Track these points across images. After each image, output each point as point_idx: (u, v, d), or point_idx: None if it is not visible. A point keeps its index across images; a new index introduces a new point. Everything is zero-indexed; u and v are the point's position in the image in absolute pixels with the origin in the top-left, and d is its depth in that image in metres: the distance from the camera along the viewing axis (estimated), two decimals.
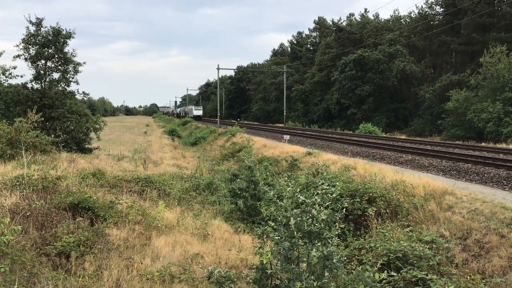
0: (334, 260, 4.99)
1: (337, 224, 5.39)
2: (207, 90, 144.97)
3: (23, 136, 15.30)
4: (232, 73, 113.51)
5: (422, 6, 59.35)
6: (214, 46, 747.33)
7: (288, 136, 28.39)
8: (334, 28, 70.33)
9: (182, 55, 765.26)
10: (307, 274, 5.03)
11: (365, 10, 70.55)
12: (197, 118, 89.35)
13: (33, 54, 25.17)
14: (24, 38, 24.98)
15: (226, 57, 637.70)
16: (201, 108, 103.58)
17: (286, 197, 5.48)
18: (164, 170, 19.06)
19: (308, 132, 39.76)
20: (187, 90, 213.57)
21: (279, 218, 5.32)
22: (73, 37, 26.13)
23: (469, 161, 15.95)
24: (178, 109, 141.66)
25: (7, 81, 25.24)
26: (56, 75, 26.27)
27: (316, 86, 67.96)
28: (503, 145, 24.33)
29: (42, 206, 8.20)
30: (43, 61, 25.65)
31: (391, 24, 64.22)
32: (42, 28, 25.40)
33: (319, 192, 5.48)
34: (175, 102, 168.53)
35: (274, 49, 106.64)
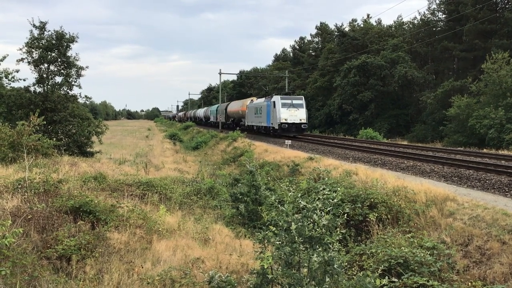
0: (335, 266, 4.99)
1: (338, 229, 5.39)
2: (209, 95, 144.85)
3: (25, 139, 15.33)
4: (234, 77, 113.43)
5: (424, 13, 59.50)
6: (216, 51, 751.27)
7: (290, 141, 28.38)
8: (336, 33, 70.43)
9: (183, 59, 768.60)
10: (308, 280, 5.03)
11: (368, 16, 70.40)
12: (291, 130, 35.92)
13: (36, 57, 25.21)
14: (27, 42, 25.04)
15: (228, 62, 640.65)
16: (303, 101, 37.91)
17: (287, 202, 5.49)
18: (165, 174, 19.06)
19: (309, 137, 39.74)
20: (189, 94, 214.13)
21: (280, 223, 5.32)
22: (76, 41, 26.20)
23: (471, 167, 15.92)
24: (201, 111, 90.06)
25: (10, 84, 25.28)
26: (58, 79, 26.32)
27: (318, 91, 67.98)
28: (505, 152, 24.28)
29: (44, 209, 8.21)
30: (46, 65, 25.69)
31: (393, 30, 64.33)
32: (45, 32, 25.51)
33: (321, 197, 5.49)
34: (177, 106, 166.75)
35: (276, 54, 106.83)
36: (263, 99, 42.25)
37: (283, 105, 36.14)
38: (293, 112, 35.91)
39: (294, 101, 36.82)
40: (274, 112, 36.56)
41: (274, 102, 36.98)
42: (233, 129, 47.57)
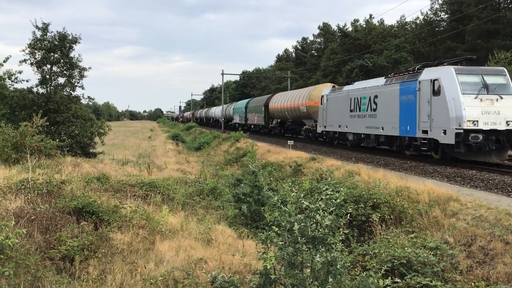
0: (338, 266, 4.98)
1: (341, 229, 5.39)
2: (212, 95, 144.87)
3: (28, 140, 15.38)
4: (236, 78, 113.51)
5: (427, 13, 59.39)
6: (217, 51, 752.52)
7: (292, 141, 28.36)
8: (339, 33, 70.42)
9: (185, 60, 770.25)
10: (311, 280, 5.02)
11: (370, 16, 70.48)
12: (485, 147, 15.38)
13: (39, 59, 25.32)
14: (30, 43, 25.16)
15: (230, 62, 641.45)
16: (508, 78, 16.02)
17: (290, 202, 5.48)
18: (168, 175, 19.08)
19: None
20: (191, 94, 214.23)
21: (283, 223, 5.32)
22: (79, 42, 26.29)
23: (474, 167, 15.88)
24: (218, 110, 69.74)
25: (13, 85, 25.39)
26: (61, 80, 26.45)
27: None
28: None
29: (47, 210, 8.22)
30: (48, 66, 25.80)
31: (396, 31, 64.26)
32: (48, 33, 25.58)
33: (323, 197, 5.48)
34: (179, 107, 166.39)
35: (278, 55, 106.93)
36: (382, 79, 21.74)
37: (466, 86, 15.89)
38: (491, 105, 15.71)
39: (489, 79, 16.14)
40: (438, 105, 16.46)
41: (435, 82, 16.71)
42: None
